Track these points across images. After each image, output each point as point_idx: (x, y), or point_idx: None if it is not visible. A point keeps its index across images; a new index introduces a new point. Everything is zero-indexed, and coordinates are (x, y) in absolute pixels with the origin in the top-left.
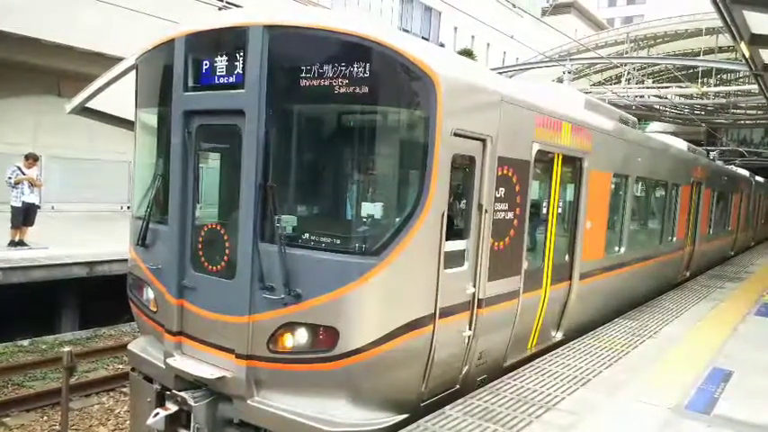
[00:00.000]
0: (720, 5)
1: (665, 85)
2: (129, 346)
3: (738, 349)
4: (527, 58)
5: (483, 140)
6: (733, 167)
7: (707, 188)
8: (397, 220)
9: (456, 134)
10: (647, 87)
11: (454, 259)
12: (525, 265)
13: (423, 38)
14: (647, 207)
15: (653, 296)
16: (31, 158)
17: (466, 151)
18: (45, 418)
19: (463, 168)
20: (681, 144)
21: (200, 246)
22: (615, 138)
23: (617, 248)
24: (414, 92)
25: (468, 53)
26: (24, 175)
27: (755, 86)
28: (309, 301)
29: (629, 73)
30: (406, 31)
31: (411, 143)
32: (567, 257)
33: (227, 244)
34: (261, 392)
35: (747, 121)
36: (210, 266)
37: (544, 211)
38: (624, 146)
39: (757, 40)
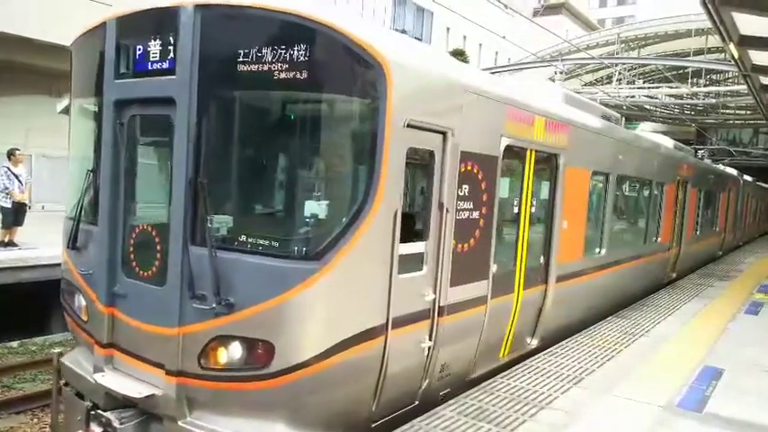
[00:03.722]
0: (710, 7)
1: (655, 85)
2: (63, 359)
3: (729, 347)
4: (519, 59)
5: (443, 133)
6: (721, 166)
7: (693, 187)
8: (342, 219)
9: (410, 126)
10: (638, 87)
11: (411, 263)
12: (494, 268)
13: (416, 38)
14: (629, 206)
15: (638, 298)
16: (16, 154)
17: (423, 145)
18: (35, 420)
19: (421, 164)
20: (667, 142)
21: (131, 249)
22: (595, 134)
23: (597, 250)
24: (360, 78)
25: (459, 53)
26: (13, 174)
27: (744, 87)
28: (243, 311)
29: (620, 73)
30: (403, 32)
31: (357, 134)
32: (541, 259)
33: (158, 247)
34: (194, 413)
35: (737, 121)
36: (142, 272)
37: (515, 210)
38: (605, 143)
39: (746, 41)
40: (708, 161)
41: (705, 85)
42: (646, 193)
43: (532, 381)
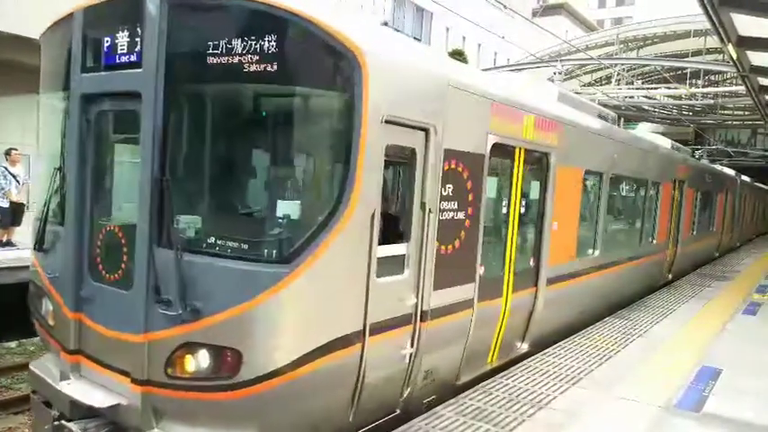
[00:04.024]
0: (708, 7)
1: (654, 86)
2: (31, 365)
3: (727, 347)
4: (518, 59)
5: (425, 130)
6: (718, 167)
7: (690, 187)
8: (314, 220)
9: (389, 121)
10: (637, 88)
11: (390, 266)
12: (481, 270)
13: (415, 38)
14: (624, 207)
15: (633, 301)
16: (13, 154)
17: (404, 142)
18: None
19: (402, 162)
20: (663, 142)
21: (98, 251)
22: (588, 133)
23: (590, 251)
24: (333, 70)
25: (459, 54)
26: (11, 174)
27: (742, 88)
28: (209, 317)
29: (618, 74)
30: (398, 31)
31: (330, 130)
32: (531, 262)
33: (125, 249)
34: (161, 424)
35: (734, 122)
36: (109, 275)
37: (504, 211)
38: (598, 142)
39: (744, 42)
40: (705, 161)
41: (703, 86)
42: (641, 193)
43: (531, 381)
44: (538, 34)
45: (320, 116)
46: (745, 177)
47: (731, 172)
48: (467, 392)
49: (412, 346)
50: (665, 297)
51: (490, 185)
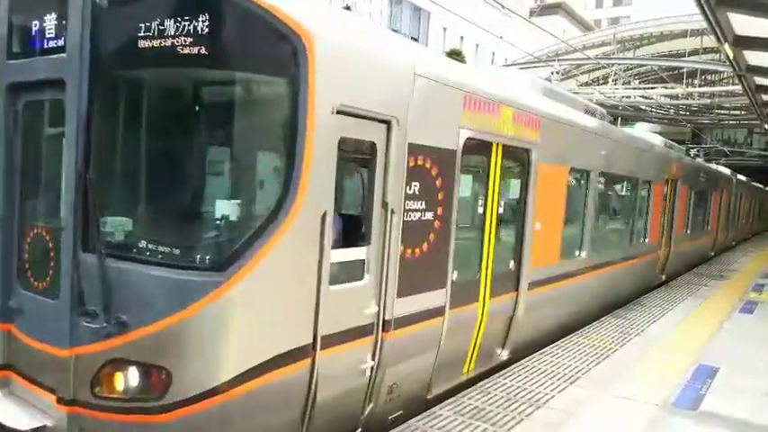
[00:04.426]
0: (705, 7)
1: (650, 85)
2: None
3: (724, 346)
4: (516, 59)
5: (387, 122)
6: (714, 165)
7: (684, 186)
8: (254, 223)
9: (342, 112)
10: (634, 88)
11: (347, 272)
12: (454, 275)
13: (412, 38)
14: (613, 206)
15: (624, 303)
16: None
17: (362, 135)
18: None
19: (361, 157)
20: (656, 139)
21: (26, 256)
22: (573, 129)
23: (577, 252)
24: (274, 53)
25: (456, 53)
26: None
27: (739, 87)
28: (136, 331)
29: (615, 74)
30: (395, 31)
31: (271, 121)
32: (511, 264)
33: (52, 254)
34: None
35: (731, 122)
36: (37, 283)
37: (480, 211)
38: (585, 138)
39: (741, 42)
40: (700, 160)
41: (700, 86)
42: (631, 192)
43: (529, 380)
44: (535, 34)
45: (259, 105)
46: (740, 176)
47: (726, 171)
48: (465, 392)
49: (373, 358)
50: (662, 296)
51: (464, 184)
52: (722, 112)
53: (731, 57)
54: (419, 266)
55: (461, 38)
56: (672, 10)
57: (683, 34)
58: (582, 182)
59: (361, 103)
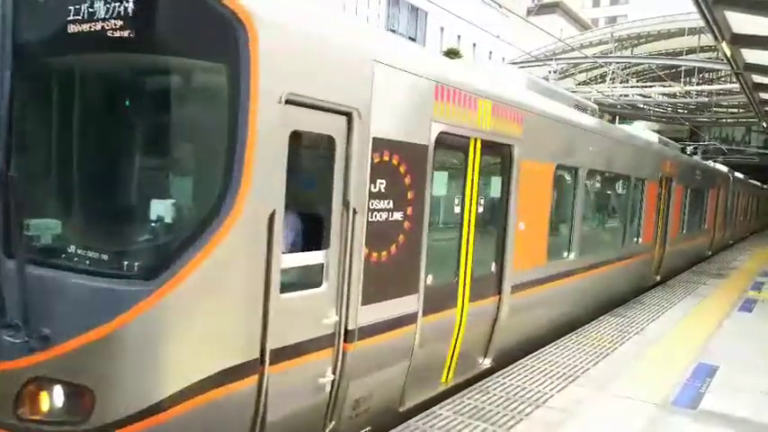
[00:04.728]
0: (702, 6)
1: (648, 84)
2: None
3: (723, 344)
4: (513, 58)
5: (346, 115)
6: (711, 163)
7: (679, 184)
8: (188, 224)
9: (293, 102)
10: (632, 87)
11: (303, 278)
12: (428, 279)
13: (410, 38)
14: (604, 205)
15: (616, 305)
16: None
17: (318, 128)
18: None
19: (317, 153)
20: (649, 136)
21: None
22: (560, 124)
23: (565, 253)
24: (211, 37)
25: (454, 53)
26: None
27: (737, 85)
28: (59, 346)
29: (613, 72)
30: (393, 31)
31: (209, 112)
32: (493, 267)
33: None
34: None
35: (729, 120)
36: None
37: (457, 210)
38: (573, 134)
39: (738, 40)
40: (697, 158)
41: (698, 84)
42: (624, 190)
43: (528, 379)
44: (533, 33)
45: (195, 94)
46: (738, 174)
47: (724, 168)
48: (464, 391)
49: (334, 372)
50: (662, 294)
51: (438, 181)
52: (720, 110)
53: (729, 55)
54: (387, 271)
55: (459, 37)
56: (669, 8)
57: (681, 33)
58: (570, 180)
59: (315, 93)
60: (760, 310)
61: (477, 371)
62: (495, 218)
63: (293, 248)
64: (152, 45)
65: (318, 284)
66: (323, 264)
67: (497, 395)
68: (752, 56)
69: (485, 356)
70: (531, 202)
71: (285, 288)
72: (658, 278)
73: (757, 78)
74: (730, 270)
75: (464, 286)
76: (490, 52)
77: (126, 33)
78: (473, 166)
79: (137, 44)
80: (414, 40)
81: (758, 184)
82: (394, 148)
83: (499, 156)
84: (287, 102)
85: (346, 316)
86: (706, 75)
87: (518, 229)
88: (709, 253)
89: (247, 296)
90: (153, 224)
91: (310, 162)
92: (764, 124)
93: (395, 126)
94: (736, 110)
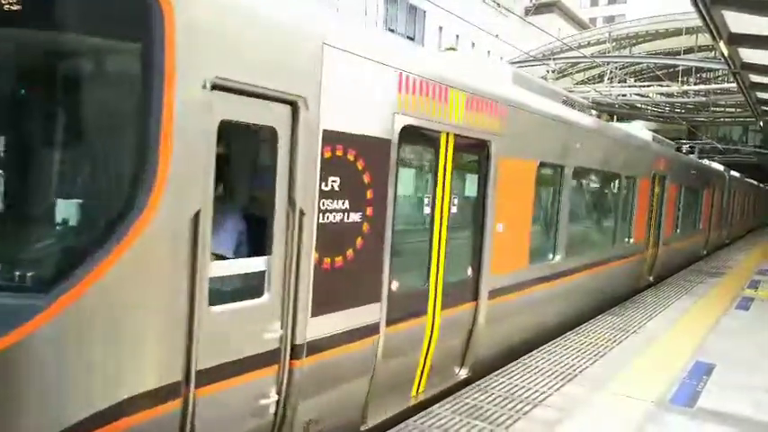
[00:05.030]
0: (700, 5)
1: (646, 83)
2: None
3: (720, 343)
4: (511, 58)
5: (291, 104)
6: (706, 161)
7: (673, 183)
8: (91, 228)
9: (221, 88)
10: (630, 86)
11: (239, 288)
12: (393, 286)
13: (408, 37)
14: (592, 204)
15: (606, 308)
16: None
17: (255, 118)
18: None
19: (255, 146)
20: (641, 133)
21: None
22: (544, 119)
23: (550, 256)
24: (118, 11)
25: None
26: None
27: (734, 85)
28: None
29: (611, 72)
30: (392, 30)
31: (117, 98)
32: (469, 271)
33: None
34: None
35: (726, 119)
36: None
37: (427, 211)
38: (558, 130)
39: (736, 39)
40: (693, 156)
41: (695, 84)
42: (614, 189)
43: (526, 378)
44: (531, 32)
45: (97, 77)
46: (734, 173)
47: (719, 167)
48: (463, 390)
49: (279, 392)
50: (659, 293)
51: (405, 179)
52: (718, 109)
53: (726, 54)
54: (342, 278)
55: (457, 36)
56: (667, 8)
57: (679, 32)
58: (554, 178)
59: (250, 78)
60: (757, 308)
61: (452, 382)
62: (470, 218)
63: (233, 254)
64: (48, 20)
65: (259, 295)
66: (264, 271)
67: (496, 394)
68: (749, 55)
69: (461, 366)
70: (511, 201)
71: (216, 299)
72: (651, 279)
73: (754, 78)
74: (727, 269)
75: (436, 293)
76: (488, 52)
77: (18, 7)
78: (445, 162)
79: (30, 19)
80: (412, 39)
81: (755, 182)
82: (349, 142)
83: (475, 152)
84: (214, 87)
85: (293, 329)
86: (704, 74)
87: (496, 231)
88: (705, 252)
89: (166, 309)
90: (50, 228)
91: (248, 156)
92: (761, 123)
93: (350, 118)
94: (733, 109)
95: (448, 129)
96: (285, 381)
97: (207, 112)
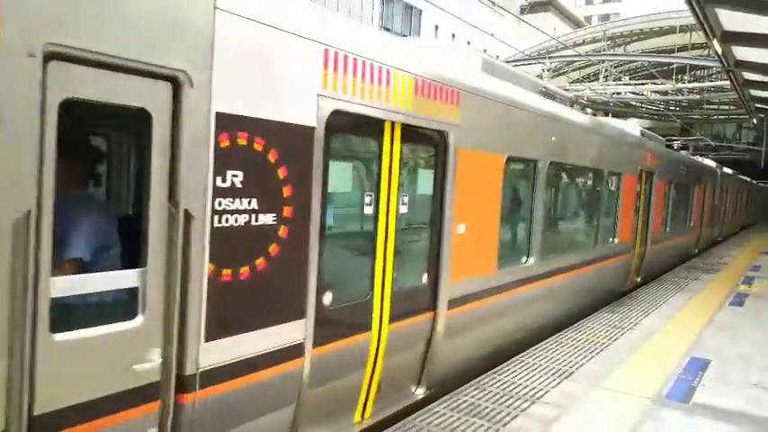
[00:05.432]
0: (694, 3)
1: (641, 81)
2: None
3: (715, 338)
4: (507, 56)
5: (170, 80)
6: (698, 157)
7: (661, 179)
8: None
9: (62, 56)
10: (624, 84)
11: (99, 309)
12: (324, 299)
13: (404, 35)
14: (571, 202)
15: (590, 312)
16: None
17: (116, 97)
18: None
19: (120, 132)
20: (628, 127)
21: None
22: (514, 109)
23: (523, 259)
24: None
25: None
26: None
27: (727, 82)
28: None
29: (606, 70)
30: (387, 29)
31: None
32: (424, 278)
33: None
34: None
35: (720, 117)
36: None
37: (369, 211)
38: (531, 121)
39: (729, 38)
40: (685, 153)
41: (689, 81)
42: (596, 186)
43: (524, 376)
44: (526, 31)
45: None
46: (727, 169)
47: (711, 163)
48: (460, 388)
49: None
50: (653, 290)
51: (338, 174)
52: (711, 107)
53: (720, 52)
54: (250, 292)
55: (453, 35)
56: (661, 6)
57: (673, 30)
58: (528, 174)
59: (105, 47)
60: (751, 303)
61: (408, 402)
62: (425, 219)
63: (97, 268)
64: None
65: (130, 316)
66: (137, 288)
67: (493, 392)
68: (742, 53)
69: (418, 384)
70: (474, 199)
71: (63, 325)
72: (639, 279)
73: (748, 75)
74: (721, 265)
75: (381, 305)
76: (484, 50)
77: None
78: (390, 154)
79: None
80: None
81: (748, 179)
82: (255, 128)
83: (430, 144)
84: (49, 57)
85: (180, 357)
86: (697, 72)
87: (456, 233)
88: (696, 251)
89: None
90: None
91: (111, 145)
92: (755, 121)
93: (255, 100)
94: (727, 107)
95: (393, 117)
96: (170, 420)
97: (37, 89)
